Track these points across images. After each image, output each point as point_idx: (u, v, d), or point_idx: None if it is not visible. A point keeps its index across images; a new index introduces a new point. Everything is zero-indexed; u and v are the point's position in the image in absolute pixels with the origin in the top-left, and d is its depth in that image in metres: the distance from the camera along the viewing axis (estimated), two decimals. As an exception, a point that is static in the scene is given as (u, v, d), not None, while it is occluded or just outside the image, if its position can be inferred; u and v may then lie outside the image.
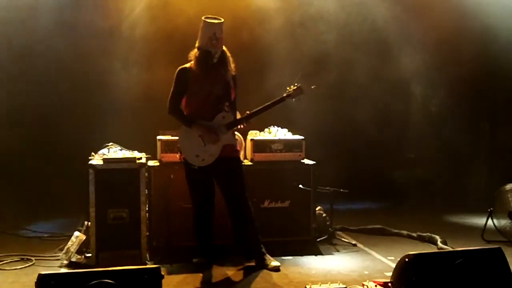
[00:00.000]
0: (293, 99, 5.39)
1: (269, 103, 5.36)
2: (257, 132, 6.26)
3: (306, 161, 6.21)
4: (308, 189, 6.08)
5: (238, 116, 5.50)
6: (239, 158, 5.61)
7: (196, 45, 5.34)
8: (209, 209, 5.54)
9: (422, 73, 8.57)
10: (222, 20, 5.32)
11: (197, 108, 5.35)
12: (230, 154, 5.40)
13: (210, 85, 5.32)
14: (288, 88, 5.40)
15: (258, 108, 5.37)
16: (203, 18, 5.31)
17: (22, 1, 7.33)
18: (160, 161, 5.91)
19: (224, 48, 5.34)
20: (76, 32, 7.51)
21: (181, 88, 5.36)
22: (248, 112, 5.38)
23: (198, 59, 5.30)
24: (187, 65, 5.40)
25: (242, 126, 5.46)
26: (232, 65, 5.41)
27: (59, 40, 7.43)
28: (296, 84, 5.40)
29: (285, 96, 5.38)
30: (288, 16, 7.82)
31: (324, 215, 6.42)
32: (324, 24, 7.95)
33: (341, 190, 6.35)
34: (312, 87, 5.51)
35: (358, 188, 7.25)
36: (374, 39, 8.24)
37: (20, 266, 5.44)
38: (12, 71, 7.42)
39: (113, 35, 7.53)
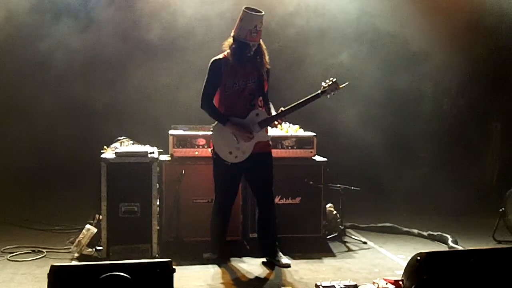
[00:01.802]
0: (328, 95, 5.27)
1: (303, 99, 5.26)
2: (269, 128, 6.24)
3: (318, 158, 6.20)
4: (319, 186, 6.08)
5: (272, 108, 5.44)
6: (271, 153, 5.52)
7: (232, 34, 5.24)
8: (230, 205, 5.54)
9: (434, 72, 8.53)
10: (263, 12, 5.22)
11: (231, 103, 5.28)
12: (263, 149, 5.36)
13: (245, 78, 5.26)
14: (323, 84, 5.26)
15: (292, 105, 5.27)
16: (244, 8, 5.19)
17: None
18: (172, 155, 5.92)
19: (260, 41, 5.28)
20: (90, 31, 7.54)
21: (215, 80, 5.27)
22: (282, 108, 5.31)
23: (234, 50, 5.21)
24: (221, 56, 5.31)
25: (276, 123, 5.41)
26: (267, 58, 5.33)
27: (72, 37, 7.46)
28: (331, 79, 5.26)
29: (321, 93, 5.25)
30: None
31: (334, 212, 6.41)
32: (341, 26, 7.94)
33: (352, 187, 6.34)
34: (346, 83, 5.29)
35: (369, 186, 7.23)
36: (386, 38, 8.21)
37: (32, 258, 5.47)
38: (26, 65, 7.47)
39: (126, 32, 7.55)
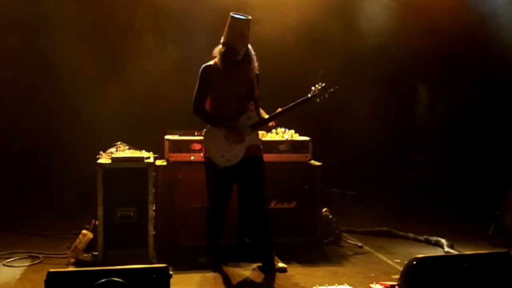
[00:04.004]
0: (318, 99, 5.30)
1: (293, 103, 5.30)
2: (264, 133, 6.25)
3: (313, 162, 6.21)
4: (315, 190, 6.08)
5: (262, 113, 5.47)
6: (262, 157, 5.54)
7: (221, 40, 5.29)
8: (224, 209, 5.55)
9: (429, 74, 8.55)
10: (250, 17, 5.26)
11: (222, 108, 5.32)
12: (254, 153, 5.38)
13: (235, 83, 5.29)
14: (313, 88, 5.30)
15: (283, 109, 5.32)
16: (230, 14, 5.24)
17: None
18: (167, 160, 5.92)
19: (249, 45, 5.31)
20: (84, 31, 7.54)
21: (205, 86, 5.31)
22: (280, 109, 5.34)
23: (223, 56, 5.25)
24: (211, 62, 5.35)
25: (272, 124, 5.43)
26: (256, 63, 5.37)
27: (65, 38, 7.47)
28: (320, 84, 5.29)
29: (310, 96, 5.29)
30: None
31: (330, 216, 6.41)
32: (329, 26, 7.96)
33: (348, 192, 6.36)
34: (335, 87, 5.31)
35: (365, 190, 7.24)
36: (379, 41, 8.22)
37: (28, 263, 5.47)
38: (20, 70, 7.47)
39: (121, 35, 7.56)
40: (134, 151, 5.76)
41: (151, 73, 7.47)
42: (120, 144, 5.87)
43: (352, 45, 8.15)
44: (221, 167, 5.32)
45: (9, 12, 7.37)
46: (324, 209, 6.38)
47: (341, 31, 8.04)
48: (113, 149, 5.77)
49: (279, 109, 5.35)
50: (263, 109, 5.56)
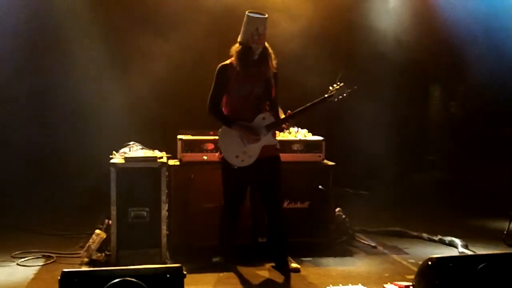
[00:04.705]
0: (335, 99, 5.25)
1: (310, 103, 5.24)
2: (277, 132, 6.23)
3: (326, 162, 6.18)
4: (328, 190, 6.05)
5: (281, 113, 5.41)
6: (279, 157, 5.50)
7: (238, 39, 5.25)
8: (239, 208, 5.54)
9: (441, 74, 8.52)
10: (266, 15, 5.20)
11: (237, 108, 5.29)
12: (271, 153, 5.35)
13: (251, 83, 5.25)
14: (330, 88, 5.25)
15: (299, 109, 5.26)
16: (246, 12, 5.18)
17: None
18: (180, 160, 5.91)
19: (266, 44, 5.24)
20: (95, 31, 7.57)
21: (221, 86, 5.28)
22: (289, 111, 5.30)
23: (238, 55, 5.19)
24: (228, 61, 5.31)
25: (284, 126, 5.43)
26: (274, 62, 5.29)
27: (76, 37, 7.50)
28: (338, 84, 5.23)
29: (327, 97, 5.23)
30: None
31: (343, 216, 6.39)
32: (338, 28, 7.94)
33: (361, 191, 6.32)
34: (354, 87, 5.26)
35: (378, 190, 7.21)
36: (391, 41, 8.20)
37: (42, 263, 5.49)
38: (34, 68, 7.51)
39: (134, 35, 7.57)
40: (147, 150, 5.76)
41: (164, 73, 7.48)
42: (133, 144, 5.87)
43: (363, 45, 8.13)
44: (236, 167, 5.31)
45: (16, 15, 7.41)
46: (338, 209, 6.35)
47: (352, 32, 8.03)
48: (126, 149, 5.77)
49: (289, 112, 5.30)
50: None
